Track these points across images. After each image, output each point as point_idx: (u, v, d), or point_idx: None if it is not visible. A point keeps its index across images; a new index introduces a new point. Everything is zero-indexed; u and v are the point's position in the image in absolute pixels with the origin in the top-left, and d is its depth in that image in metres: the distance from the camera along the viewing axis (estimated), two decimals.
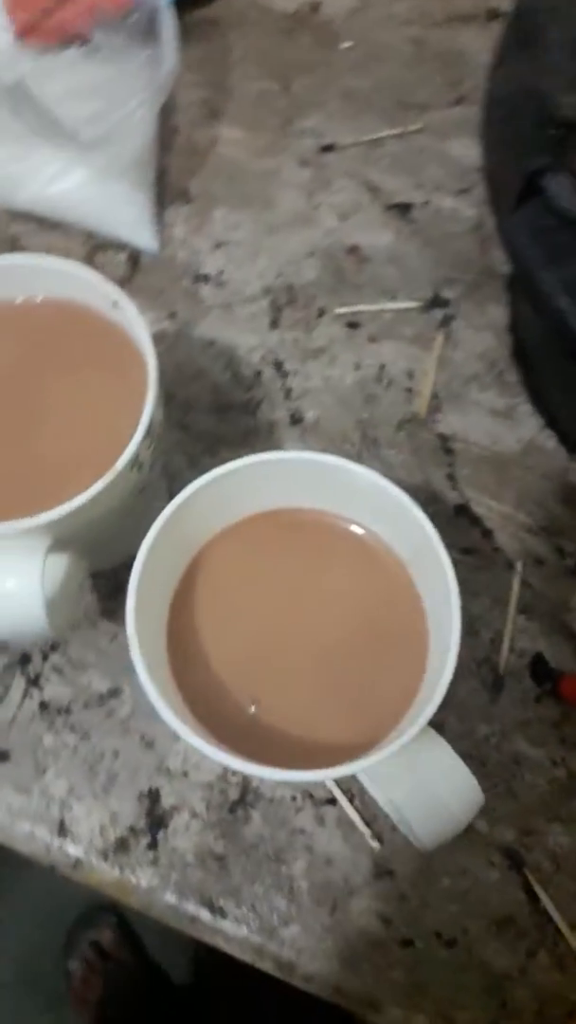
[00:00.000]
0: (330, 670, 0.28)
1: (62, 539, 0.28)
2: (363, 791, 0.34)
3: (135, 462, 0.27)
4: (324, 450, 0.29)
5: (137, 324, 0.29)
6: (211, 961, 0.88)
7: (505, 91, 0.32)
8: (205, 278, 0.43)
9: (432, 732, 0.25)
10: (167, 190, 0.45)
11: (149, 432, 0.28)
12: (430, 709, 0.24)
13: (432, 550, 0.26)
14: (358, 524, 0.30)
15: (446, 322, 0.42)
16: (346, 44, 0.49)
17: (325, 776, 0.23)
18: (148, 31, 0.43)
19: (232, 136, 0.47)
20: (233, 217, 0.45)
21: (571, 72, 0.31)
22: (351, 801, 0.34)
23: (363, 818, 0.33)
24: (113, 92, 0.42)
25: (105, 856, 0.33)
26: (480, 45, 0.49)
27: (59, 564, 0.28)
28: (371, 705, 0.27)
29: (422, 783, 0.24)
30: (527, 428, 0.39)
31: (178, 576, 0.29)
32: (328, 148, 0.46)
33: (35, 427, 0.30)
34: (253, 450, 0.39)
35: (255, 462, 0.28)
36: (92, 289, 0.30)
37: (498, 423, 0.40)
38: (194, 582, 0.29)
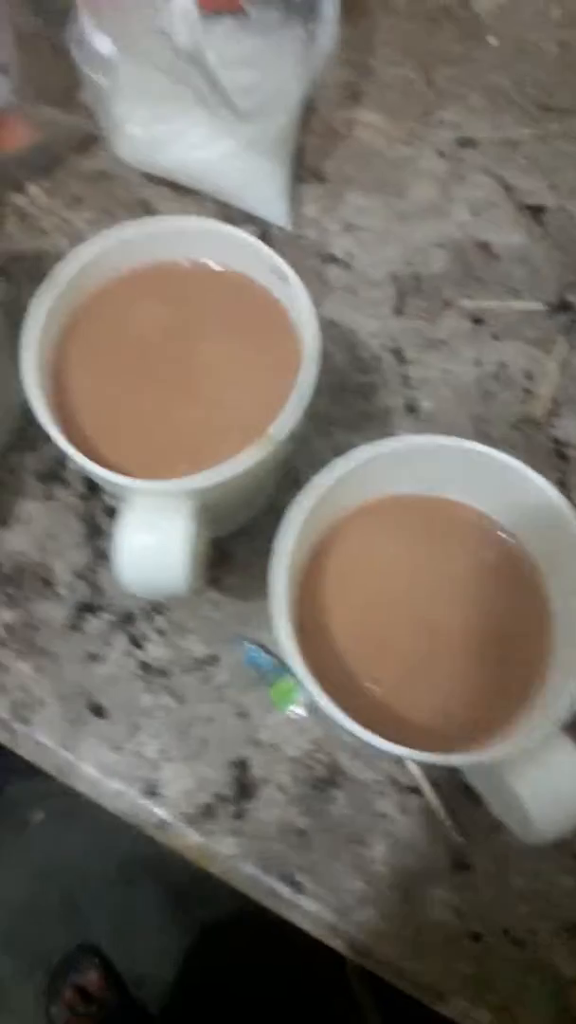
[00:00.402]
0: (451, 658, 0.28)
1: (206, 503, 0.28)
2: (449, 781, 0.34)
3: (291, 435, 0.27)
4: None
5: (301, 297, 0.29)
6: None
7: None
8: (332, 259, 0.43)
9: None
10: (302, 169, 0.45)
11: (305, 410, 0.28)
12: (563, 710, 0.24)
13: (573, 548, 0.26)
14: (492, 519, 0.30)
15: (570, 327, 0.41)
16: (492, 40, 0.49)
17: (462, 761, 0.23)
18: (306, 6, 0.43)
19: (370, 120, 0.47)
20: (365, 201, 0.45)
21: None
22: (437, 789, 0.34)
23: (447, 809, 0.33)
24: (266, 65, 0.42)
25: (191, 821, 0.34)
26: None
27: (200, 525, 0.28)
28: (489, 696, 0.28)
29: (546, 777, 0.24)
30: None
31: (310, 551, 0.29)
32: (466, 142, 0.46)
33: (192, 390, 0.30)
34: (365, 435, 0.39)
35: (407, 444, 0.28)
36: (260, 261, 0.30)
37: None
38: (326, 559, 0.29)
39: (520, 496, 0.28)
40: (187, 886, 0.96)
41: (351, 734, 0.25)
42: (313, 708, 0.34)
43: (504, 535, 0.30)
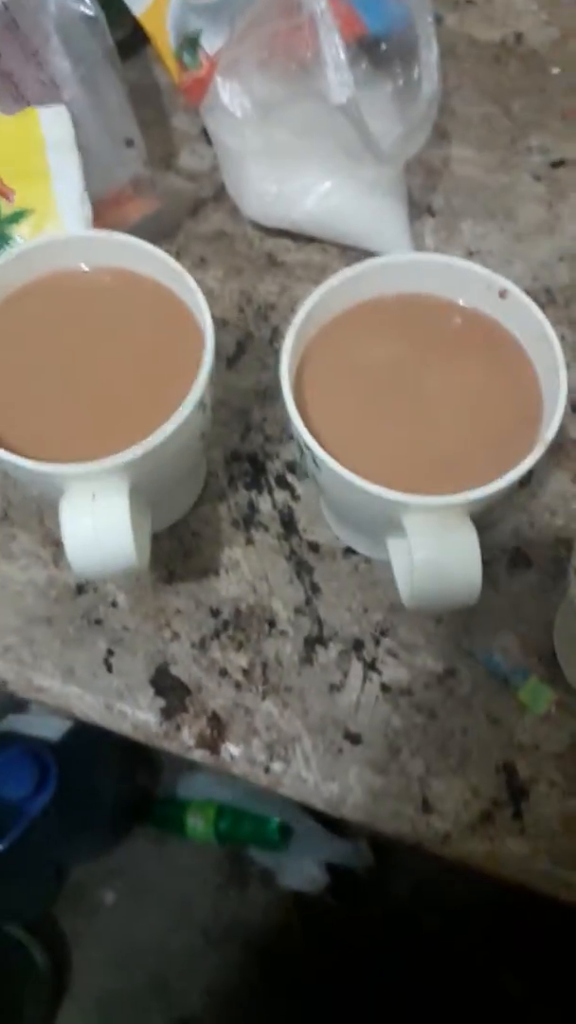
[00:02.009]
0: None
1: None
2: None
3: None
4: None
5: (532, 313, 0.31)
6: None
7: None
8: None
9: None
10: (412, 207, 0.48)
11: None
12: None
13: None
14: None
15: None
16: (555, 69, 0.52)
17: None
18: (399, 61, 0.46)
19: (464, 155, 0.50)
20: (480, 228, 0.47)
21: None
22: None
23: None
24: (379, 114, 0.45)
25: (473, 829, 0.34)
26: None
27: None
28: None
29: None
30: None
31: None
32: (558, 164, 0.49)
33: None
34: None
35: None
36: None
37: None
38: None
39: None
40: (276, 944, 0.95)
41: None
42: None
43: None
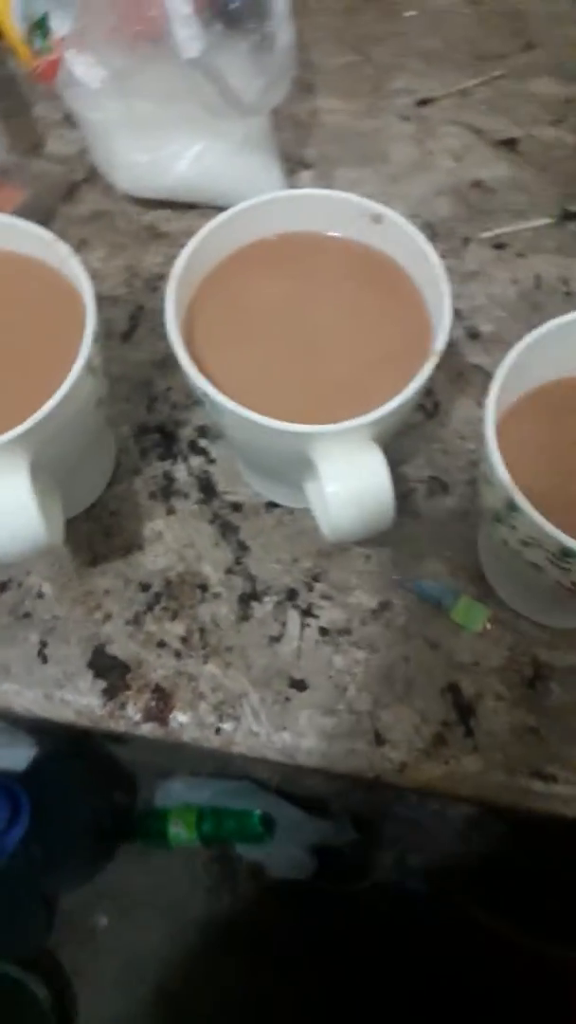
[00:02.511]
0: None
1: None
2: None
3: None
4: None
5: (409, 232, 0.31)
6: None
7: None
8: None
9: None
10: (287, 161, 0.48)
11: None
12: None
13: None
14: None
15: None
16: (409, 13, 0.53)
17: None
18: (250, 17, 0.46)
19: (331, 105, 0.50)
20: (355, 174, 0.47)
21: None
22: None
23: None
24: (239, 71, 0.44)
25: (427, 754, 0.34)
26: (531, 0, 0.53)
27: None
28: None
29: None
30: None
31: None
32: (424, 102, 0.50)
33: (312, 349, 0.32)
34: (441, 370, 0.42)
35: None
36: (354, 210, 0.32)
37: None
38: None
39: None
40: (274, 935, 0.95)
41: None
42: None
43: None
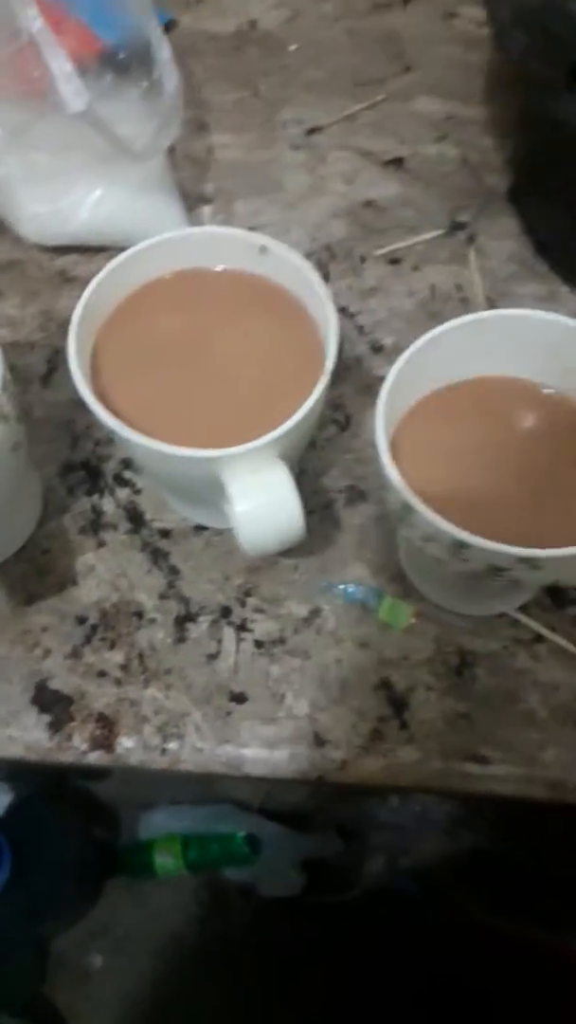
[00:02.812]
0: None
1: (283, 453, 0.32)
2: (560, 620, 0.38)
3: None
4: None
5: (293, 261, 0.33)
6: None
7: (513, 16, 0.37)
8: None
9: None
10: (187, 198, 0.50)
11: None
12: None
13: None
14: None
15: (471, 240, 0.48)
16: (293, 47, 0.56)
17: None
18: (139, 65, 0.48)
19: (224, 141, 0.52)
20: (254, 205, 0.50)
21: None
22: (554, 632, 0.38)
23: (569, 639, 0.37)
24: (129, 118, 0.46)
25: (366, 750, 0.36)
26: (406, 22, 0.56)
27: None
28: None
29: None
30: (572, 303, 0.45)
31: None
32: (312, 131, 0.52)
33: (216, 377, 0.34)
34: (350, 383, 0.44)
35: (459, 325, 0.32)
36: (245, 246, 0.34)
37: (547, 306, 0.45)
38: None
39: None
40: (271, 955, 0.96)
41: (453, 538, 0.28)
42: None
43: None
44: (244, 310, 0.35)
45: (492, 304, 0.45)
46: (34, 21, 0.39)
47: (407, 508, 0.29)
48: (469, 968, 0.90)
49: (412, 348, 0.31)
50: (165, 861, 0.96)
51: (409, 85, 0.53)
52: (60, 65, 0.39)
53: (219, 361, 0.34)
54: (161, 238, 0.35)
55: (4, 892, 0.82)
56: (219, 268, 0.36)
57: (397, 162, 0.50)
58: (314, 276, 0.33)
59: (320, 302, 0.33)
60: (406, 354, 0.31)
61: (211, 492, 0.34)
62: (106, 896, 0.97)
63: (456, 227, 0.48)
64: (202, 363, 0.34)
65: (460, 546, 0.29)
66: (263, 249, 0.34)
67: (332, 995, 0.92)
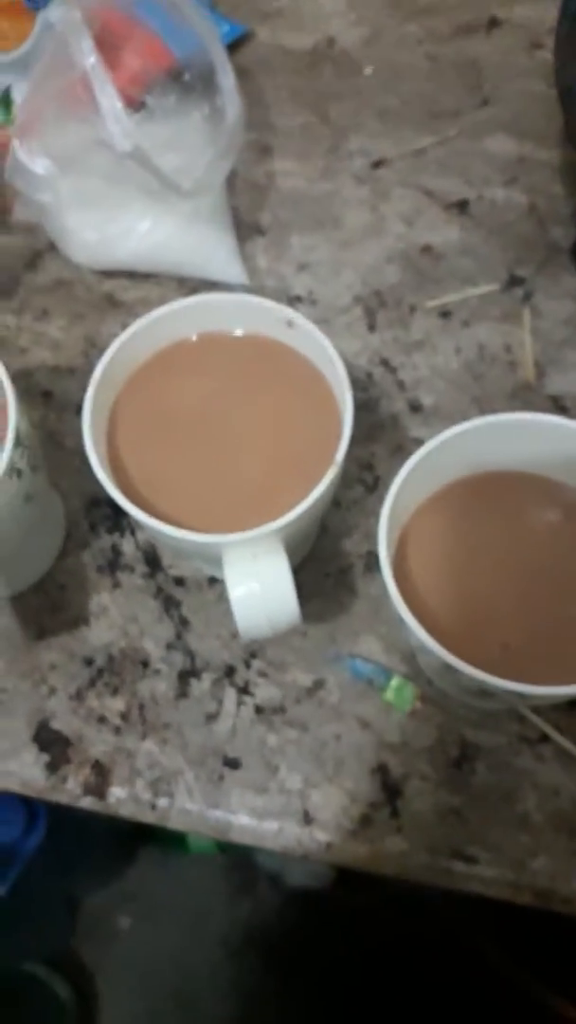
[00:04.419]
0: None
1: (288, 538, 0.31)
2: (568, 719, 0.36)
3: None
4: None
5: (313, 333, 0.32)
6: None
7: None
8: (298, 299, 0.46)
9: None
10: (242, 227, 0.49)
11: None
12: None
13: None
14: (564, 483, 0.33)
15: (527, 297, 0.45)
16: (368, 69, 0.53)
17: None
18: (198, 82, 0.47)
19: (287, 168, 0.51)
20: (308, 240, 0.48)
21: None
22: (561, 733, 0.36)
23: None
24: (186, 144, 0.45)
25: (354, 835, 0.36)
26: (489, 50, 0.53)
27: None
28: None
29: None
30: None
31: (399, 530, 0.32)
32: (378, 164, 0.50)
33: (239, 448, 0.34)
34: (383, 444, 0.42)
35: (479, 424, 0.31)
36: (269, 316, 0.33)
37: None
38: (411, 537, 0.32)
39: None
40: (294, 944, 0.97)
41: (469, 679, 0.27)
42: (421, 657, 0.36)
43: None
44: (266, 379, 0.34)
45: (541, 370, 0.43)
46: (88, 56, 0.38)
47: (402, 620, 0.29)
48: (487, 977, 0.90)
49: (420, 452, 0.30)
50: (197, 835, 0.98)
51: (484, 120, 0.51)
52: (110, 103, 0.38)
53: (236, 431, 0.34)
54: (189, 302, 0.34)
55: (38, 851, 0.85)
56: (245, 333, 0.35)
57: (461, 205, 0.48)
58: (336, 356, 0.32)
59: (340, 383, 0.32)
60: (413, 459, 0.30)
61: (214, 565, 0.34)
62: (139, 863, 1.00)
63: (513, 282, 0.46)
64: (218, 433, 0.34)
65: (448, 667, 0.28)
66: (290, 323, 0.33)
67: (346, 990, 0.93)
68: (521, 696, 0.28)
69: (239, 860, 1.00)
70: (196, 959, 0.98)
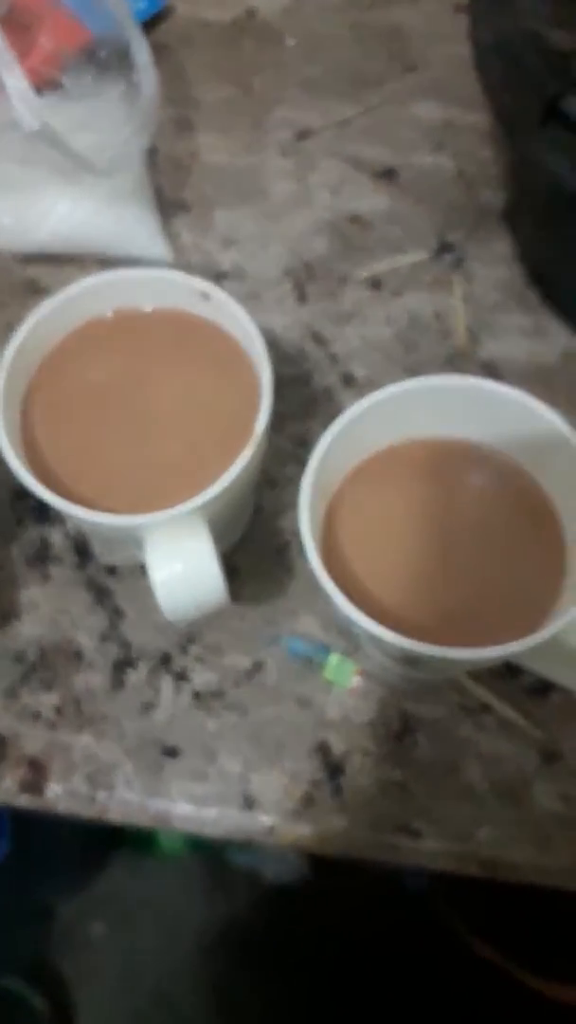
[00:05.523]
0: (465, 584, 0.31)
1: (213, 517, 0.30)
2: (509, 687, 0.36)
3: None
4: None
5: (228, 304, 0.31)
6: None
7: (493, 40, 0.34)
8: (225, 275, 0.45)
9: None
10: (164, 204, 0.47)
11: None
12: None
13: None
14: (505, 454, 0.32)
15: (458, 264, 0.45)
16: (290, 40, 0.52)
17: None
18: (114, 60, 0.46)
19: (210, 143, 0.49)
20: (234, 215, 0.47)
21: (546, 12, 0.34)
22: (502, 701, 0.36)
23: (518, 712, 0.35)
24: (102, 123, 0.44)
25: (296, 816, 0.35)
26: (413, 16, 0.52)
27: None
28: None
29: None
30: (560, 339, 0.42)
31: (324, 502, 0.31)
32: (303, 135, 0.49)
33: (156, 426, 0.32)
34: (318, 419, 0.42)
35: (406, 388, 0.30)
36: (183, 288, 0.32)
37: (533, 341, 0.42)
38: (340, 507, 0.31)
39: (525, 428, 0.30)
40: (271, 939, 0.96)
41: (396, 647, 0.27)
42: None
43: (515, 467, 0.32)
44: (184, 354, 0.33)
45: (474, 336, 0.43)
46: None
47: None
48: (471, 966, 0.90)
49: (342, 419, 0.29)
50: (168, 835, 0.97)
51: (409, 87, 0.50)
52: (16, 83, 0.37)
53: (155, 409, 0.33)
54: (101, 278, 0.33)
55: (7, 860, 0.84)
56: (161, 307, 0.34)
57: (388, 173, 0.47)
58: (253, 328, 0.31)
59: (259, 355, 0.31)
60: (335, 427, 0.29)
61: (140, 547, 0.33)
62: (112, 867, 0.99)
63: (444, 248, 0.45)
64: (139, 413, 0.33)
65: (376, 638, 0.27)
66: (205, 295, 0.32)
67: (328, 983, 0.93)
68: (452, 662, 0.27)
69: (211, 859, 0.99)
70: (174, 961, 0.97)
